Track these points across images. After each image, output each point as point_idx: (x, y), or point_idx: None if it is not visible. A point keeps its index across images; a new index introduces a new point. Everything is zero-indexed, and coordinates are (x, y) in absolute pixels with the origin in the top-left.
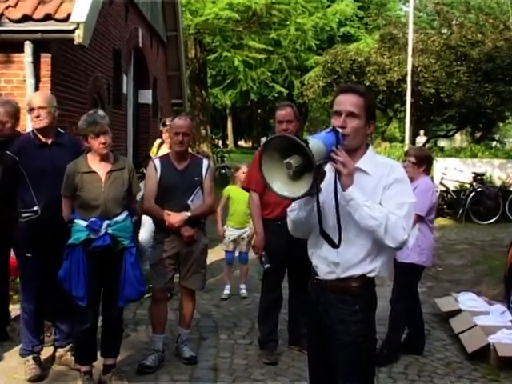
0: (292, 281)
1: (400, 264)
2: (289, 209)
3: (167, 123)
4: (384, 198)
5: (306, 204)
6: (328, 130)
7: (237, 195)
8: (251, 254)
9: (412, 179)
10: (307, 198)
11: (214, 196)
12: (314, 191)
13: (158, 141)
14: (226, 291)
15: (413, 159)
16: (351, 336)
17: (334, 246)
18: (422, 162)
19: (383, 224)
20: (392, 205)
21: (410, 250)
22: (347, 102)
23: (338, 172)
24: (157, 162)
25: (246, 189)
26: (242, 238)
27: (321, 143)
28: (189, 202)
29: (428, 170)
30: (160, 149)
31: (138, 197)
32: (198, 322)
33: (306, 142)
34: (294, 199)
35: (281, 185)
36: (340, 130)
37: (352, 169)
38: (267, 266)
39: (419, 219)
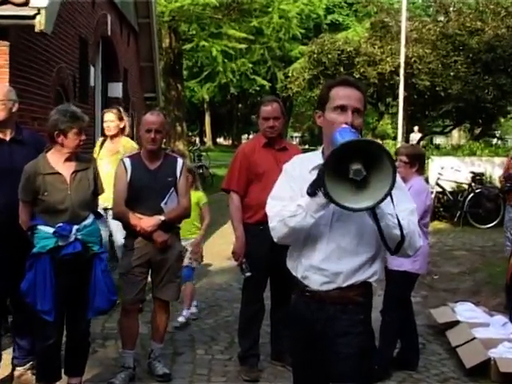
0: (275, 291)
1: (392, 272)
2: (283, 215)
3: (121, 110)
4: (386, 203)
5: (318, 211)
6: (345, 127)
7: None
8: (228, 262)
9: (404, 180)
10: (319, 203)
11: (190, 198)
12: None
13: (101, 139)
14: (181, 318)
15: (404, 158)
16: (354, 348)
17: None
18: (415, 161)
19: (410, 233)
20: (405, 211)
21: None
22: (353, 96)
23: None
24: (127, 161)
25: (226, 190)
26: (186, 250)
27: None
28: (162, 204)
29: (421, 170)
30: (103, 147)
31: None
32: (173, 336)
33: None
34: (375, 206)
35: (353, 198)
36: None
37: None
38: (248, 274)
39: None
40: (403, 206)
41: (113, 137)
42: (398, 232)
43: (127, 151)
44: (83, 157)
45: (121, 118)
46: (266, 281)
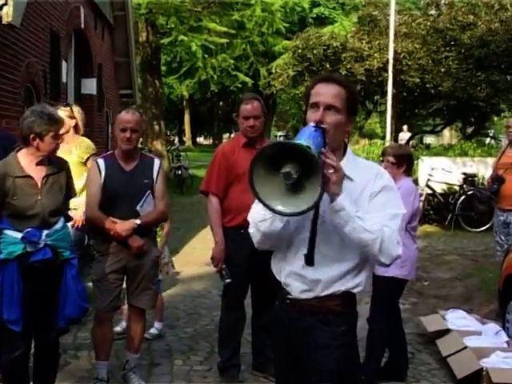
0: (256, 298)
1: (379, 278)
2: (255, 219)
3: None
4: (371, 207)
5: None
6: (310, 126)
7: None
8: (207, 268)
9: None
10: None
11: (168, 201)
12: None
13: None
14: (153, 330)
15: (392, 159)
16: (334, 361)
17: (310, 263)
18: (402, 162)
19: (379, 238)
20: (384, 216)
21: None
22: (327, 92)
23: (325, 178)
24: (100, 162)
25: (205, 193)
26: None
27: (311, 145)
28: (138, 207)
29: (409, 171)
30: None
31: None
32: (149, 346)
33: (299, 145)
34: (301, 213)
35: (282, 202)
36: (323, 127)
37: (343, 174)
38: (228, 280)
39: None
40: (387, 210)
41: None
42: (365, 237)
43: (82, 151)
44: (56, 159)
45: (72, 117)
46: (247, 287)
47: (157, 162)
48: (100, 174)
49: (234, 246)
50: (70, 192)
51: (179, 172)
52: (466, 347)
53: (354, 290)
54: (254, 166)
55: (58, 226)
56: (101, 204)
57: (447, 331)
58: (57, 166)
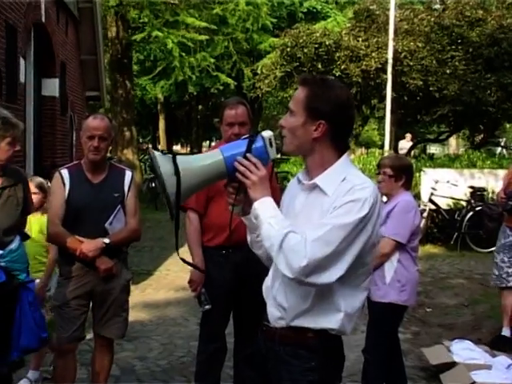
0: (239, 327)
1: (375, 304)
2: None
3: None
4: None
5: (254, 227)
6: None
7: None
8: (184, 293)
9: (389, 196)
10: (250, 219)
11: (140, 217)
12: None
13: None
14: (24, 381)
15: (389, 171)
16: None
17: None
18: (401, 174)
19: (275, 245)
20: (313, 225)
21: (389, 287)
22: (294, 95)
23: (241, 183)
24: (65, 172)
25: (183, 208)
26: None
27: (215, 159)
28: (106, 225)
29: (408, 185)
30: None
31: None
32: (117, 380)
33: (174, 157)
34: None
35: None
36: (263, 135)
37: (256, 179)
38: (207, 307)
39: (399, 247)
40: (323, 220)
41: None
42: (265, 243)
43: None
44: (12, 170)
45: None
46: (229, 314)
47: (128, 173)
48: (64, 186)
49: (214, 268)
50: (27, 207)
51: (153, 184)
52: (473, 383)
53: (332, 332)
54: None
55: (14, 245)
56: (64, 220)
57: (453, 364)
58: (13, 178)
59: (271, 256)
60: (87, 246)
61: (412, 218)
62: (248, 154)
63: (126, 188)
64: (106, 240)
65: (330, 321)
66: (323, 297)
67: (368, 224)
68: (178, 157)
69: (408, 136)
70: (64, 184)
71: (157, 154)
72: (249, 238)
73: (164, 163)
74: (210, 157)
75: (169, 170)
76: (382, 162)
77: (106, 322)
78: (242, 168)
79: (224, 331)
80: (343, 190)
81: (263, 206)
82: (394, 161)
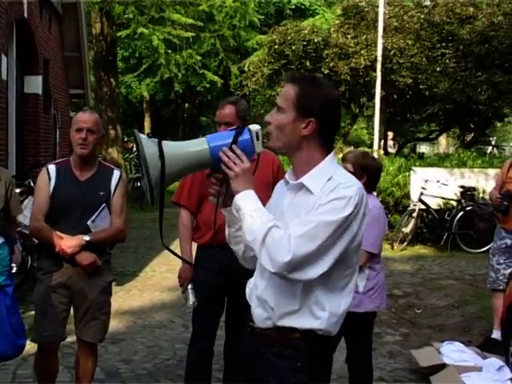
0: (227, 327)
1: (351, 314)
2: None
3: None
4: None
5: (234, 221)
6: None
7: None
8: (170, 294)
9: None
10: (231, 212)
11: (127, 218)
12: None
13: None
14: None
15: (350, 167)
16: None
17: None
18: (362, 173)
19: (258, 239)
20: (297, 221)
21: (363, 295)
22: (280, 92)
23: (225, 174)
24: (52, 168)
25: (176, 204)
26: None
27: (201, 147)
28: (89, 222)
29: (371, 186)
30: None
31: (24, 218)
32: None
33: (160, 140)
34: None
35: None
36: (250, 128)
37: (240, 170)
38: (193, 301)
39: (371, 258)
40: (306, 216)
41: None
42: (248, 237)
43: None
44: None
45: None
46: (218, 315)
47: (116, 172)
48: (49, 181)
49: (202, 265)
50: (8, 207)
51: (138, 184)
52: None
53: (319, 332)
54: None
55: None
56: (48, 215)
57: (442, 366)
58: None
59: (253, 249)
60: (67, 242)
61: (383, 226)
62: (233, 146)
63: (112, 187)
64: (87, 237)
65: (316, 321)
66: (309, 297)
67: (353, 223)
68: (164, 141)
69: (389, 134)
70: (50, 179)
71: (142, 136)
72: (227, 232)
73: (149, 146)
74: (196, 144)
75: (154, 153)
76: (346, 157)
77: (84, 325)
78: (226, 159)
79: (212, 331)
80: (328, 189)
81: (246, 198)
82: (358, 158)
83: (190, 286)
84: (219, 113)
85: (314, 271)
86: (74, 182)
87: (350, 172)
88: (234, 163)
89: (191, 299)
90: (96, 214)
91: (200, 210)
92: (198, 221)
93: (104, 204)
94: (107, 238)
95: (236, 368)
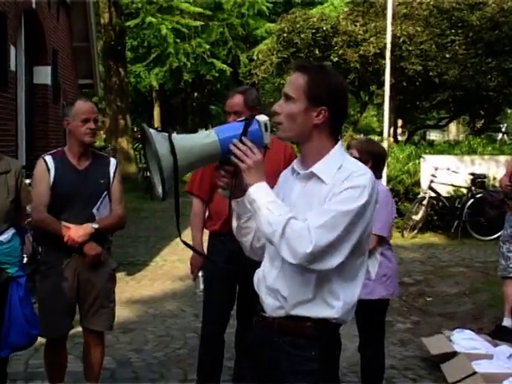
0: (240, 313)
1: (364, 302)
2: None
3: None
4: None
5: (244, 212)
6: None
7: None
8: (181, 283)
9: None
10: (242, 204)
11: (125, 204)
12: (165, 194)
13: None
14: None
15: (355, 153)
16: None
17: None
18: (368, 159)
19: (278, 231)
20: (315, 212)
21: (375, 282)
22: (288, 81)
23: (236, 167)
24: (48, 159)
25: (190, 193)
26: None
27: (211, 140)
28: (94, 210)
29: (377, 170)
30: None
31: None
32: (113, 374)
33: (170, 135)
34: (164, 196)
35: (155, 176)
36: (258, 119)
37: (252, 163)
38: (201, 288)
39: (380, 241)
40: (325, 206)
41: None
42: (266, 229)
43: None
44: (4, 158)
45: None
46: (228, 301)
47: (113, 160)
48: (49, 172)
49: (213, 253)
50: (19, 197)
51: (148, 173)
52: (474, 372)
53: (327, 317)
54: (144, 138)
55: (5, 237)
56: (51, 207)
57: (453, 354)
58: (4, 166)
59: (271, 242)
60: (76, 231)
61: (391, 209)
62: (244, 138)
63: (111, 174)
64: (95, 225)
65: (331, 310)
66: (323, 286)
67: (367, 211)
68: (173, 135)
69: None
70: (49, 170)
71: (152, 131)
72: (234, 224)
73: (160, 141)
74: (205, 137)
75: (165, 149)
76: (351, 143)
77: (94, 314)
78: (238, 152)
79: (221, 318)
80: (341, 177)
81: (260, 190)
82: (363, 144)
83: (200, 273)
84: (228, 102)
85: (334, 260)
86: (74, 172)
87: (355, 158)
88: (246, 155)
89: (201, 286)
90: (100, 201)
91: (212, 199)
92: (210, 210)
93: (106, 191)
94: (112, 225)
95: (246, 356)
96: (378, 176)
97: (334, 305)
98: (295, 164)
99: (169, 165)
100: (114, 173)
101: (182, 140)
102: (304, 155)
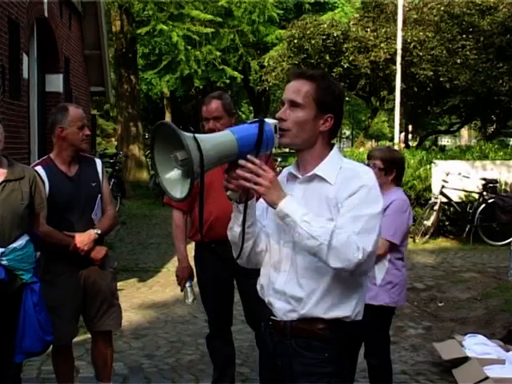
0: (248, 319)
1: (366, 306)
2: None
3: None
4: (343, 209)
5: (237, 217)
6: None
7: None
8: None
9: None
10: (251, 207)
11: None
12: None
13: None
14: None
15: (379, 163)
16: None
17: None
18: (392, 168)
19: (324, 244)
20: (347, 219)
21: (379, 288)
22: (291, 88)
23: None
24: (40, 170)
25: (168, 205)
26: None
27: (228, 138)
28: (93, 215)
29: (399, 180)
30: None
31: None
32: (125, 379)
33: (194, 134)
34: (175, 200)
35: (169, 179)
36: (269, 121)
37: (268, 183)
38: (192, 298)
39: (392, 248)
40: (354, 211)
41: None
42: (310, 243)
43: None
44: (17, 164)
45: None
46: (226, 311)
47: (98, 161)
48: (43, 184)
49: (198, 262)
50: (33, 203)
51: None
52: (487, 378)
53: (342, 318)
54: (155, 140)
55: (19, 243)
56: (48, 218)
57: (465, 359)
58: (18, 172)
59: (317, 252)
60: (81, 239)
61: (407, 218)
62: (249, 156)
63: (100, 175)
64: (98, 230)
65: (345, 309)
66: (336, 288)
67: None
68: (196, 134)
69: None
70: (43, 182)
71: (182, 132)
72: (236, 230)
73: (188, 137)
74: (223, 136)
75: (192, 145)
76: (372, 154)
77: (103, 315)
78: (248, 175)
79: (227, 327)
80: (346, 176)
81: (289, 206)
82: (385, 153)
83: (187, 284)
84: (206, 108)
85: (372, 262)
86: (66, 179)
87: (379, 168)
88: (258, 175)
89: (190, 297)
90: (96, 205)
91: (193, 208)
92: (192, 219)
93: (99, 194)
94: (111, 226)
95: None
96: (399, 184)
97: (348, 304)
98: (292, 170)
99: (196, 159)
100: (102, 173)
101: (204, 138)
102: (303, 161)
